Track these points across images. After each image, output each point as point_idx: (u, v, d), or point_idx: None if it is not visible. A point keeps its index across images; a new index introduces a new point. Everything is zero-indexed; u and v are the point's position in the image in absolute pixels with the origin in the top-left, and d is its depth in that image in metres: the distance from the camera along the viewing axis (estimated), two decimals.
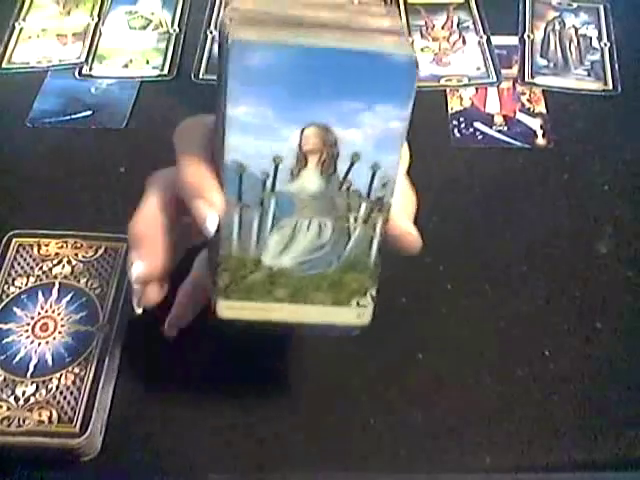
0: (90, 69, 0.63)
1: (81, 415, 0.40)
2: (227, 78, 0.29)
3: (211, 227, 0.32)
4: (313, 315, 0.36)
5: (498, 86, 0.62)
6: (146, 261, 0.34)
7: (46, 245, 0.47)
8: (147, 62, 0.64)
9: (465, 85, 0.62)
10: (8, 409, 0.40)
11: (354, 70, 0.29)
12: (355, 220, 0.33)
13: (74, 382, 0.41)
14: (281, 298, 0.35)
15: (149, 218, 0.35)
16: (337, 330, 0.44)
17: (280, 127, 0.31)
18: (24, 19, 0.67)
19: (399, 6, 0.68)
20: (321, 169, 0.32)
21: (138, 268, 0.34)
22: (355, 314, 0.36)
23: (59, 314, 0.44)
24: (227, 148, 0.31)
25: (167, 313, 0.45)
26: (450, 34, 0.66)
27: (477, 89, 0.62)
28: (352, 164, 0.32)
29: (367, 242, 0.34)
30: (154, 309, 0.46)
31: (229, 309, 0.35)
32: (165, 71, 0.63)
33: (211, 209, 0.31)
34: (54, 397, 0.40)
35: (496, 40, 0.65)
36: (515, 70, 0.63)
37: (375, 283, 0.35)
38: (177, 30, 0.67)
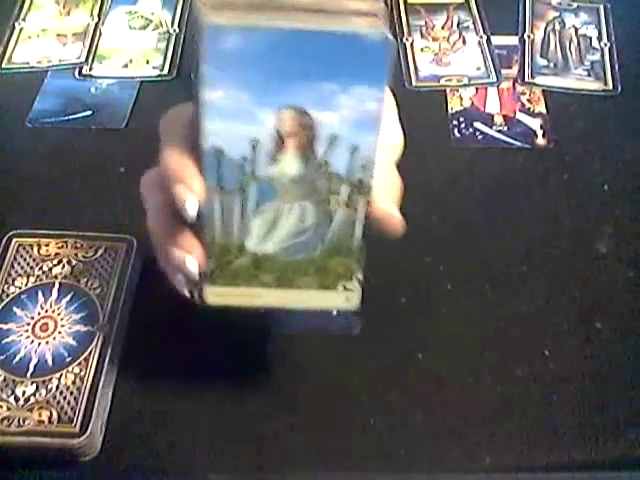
0: (90, 69, 0.63)
1: (81, 415, 0.40)
2: (201, 63, 0.29)
3: (191, 211, 0.32)
4: (300, 300, 0.36)
5: (498, 86, 0.62)
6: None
7: (46, 245, 0.47)
8: (147, 62, 0.64)
9: (465, 85, 0.62)
10: (8, 409, 0.40)
11: (328, 52, 0.29)
12: (337, 203, 0.33)
13: (74, 382, 0.41)
14: (267, 283, 0.35)
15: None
16: (337, 327, 0.44)
17: (256, 111, 0.31)
18: (24, 19, 0.67)
19: (399, 6, 0.68)
20: (300, 152, 0.32)
21: (191, 262, 0.34)
22: (343, 298, 0.36)
23: (59, 314, 0.44)
24: (204, 134, 0.31)
25: (168, 314, 0.46)
26: (450, 34, 0.66)
27: (477, 89, 0.62)
28: (330, 146, 0.32)
29: (350, 225, 0.34)
30: (154, 308, 0.46)
31: (216, 295, 0.35)
32: (165, 71, 0.63)
33: (191, 194, 0.32)
34: (54, 397, 0.40)
35: (496, 40, 0.65)
36: (515, 70, 0.63)
37: (361, 266, 0.35)
38: (177, 30, 0.66)
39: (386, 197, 0.34)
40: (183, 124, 0.34)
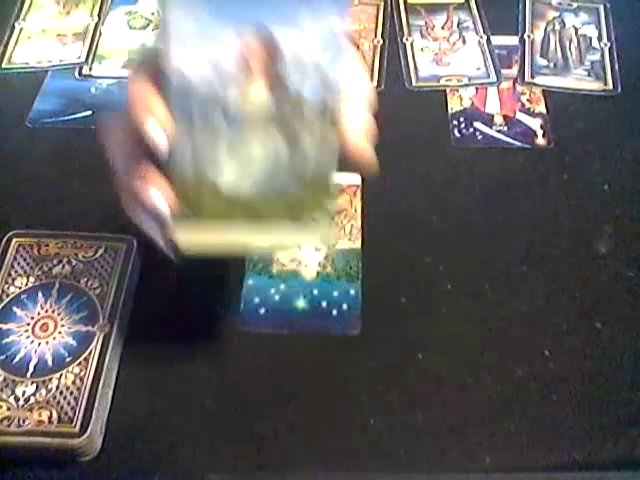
0: (90, 69, 0.63)
1: (81, 415, 0.40)
2: None
3: (161, 143, 0.32)
4: (274, 237, 0.36)
5: (498, 86, 0.62)
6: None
7: (46, 245, 0.47)
8: None
9: (465, 85, 0.62)
10: (8, 409, 0.40)
11: None
12: (309, 136, 0.33)
13: (74, 382, 0.41)
14: (241, 223, 0.35)
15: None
16: (337, 327, 0.44)
17: (219, 32, 0.30)
18: (24, 19, 0.67)
19: (399, 6, 0.68)
20: (267, 80, 0.32)
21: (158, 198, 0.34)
22: (316, 234, 0.36)
23: (59, 314, 0.44)
24: (170, 67, 0.31)
25: (168, 314, 0.46)
26: (450, 34, 0.66)
27: (477, 89, 0.62)
28: (296, 70, 0.32)
29: (323, 159, 0.34)
30: (154, 308, 0.46)
31: (189, 238, 0.35)
32: None
33: (160, 126, 0.32)
34: (54, 397, 0.40)
35: (496, 40, 0.65)
36: (515, 70, 0.63)
37: (334, 201, 0.35)
38: None
39: (359, 133, 0.34)
40: (150, 64, 0.33)
